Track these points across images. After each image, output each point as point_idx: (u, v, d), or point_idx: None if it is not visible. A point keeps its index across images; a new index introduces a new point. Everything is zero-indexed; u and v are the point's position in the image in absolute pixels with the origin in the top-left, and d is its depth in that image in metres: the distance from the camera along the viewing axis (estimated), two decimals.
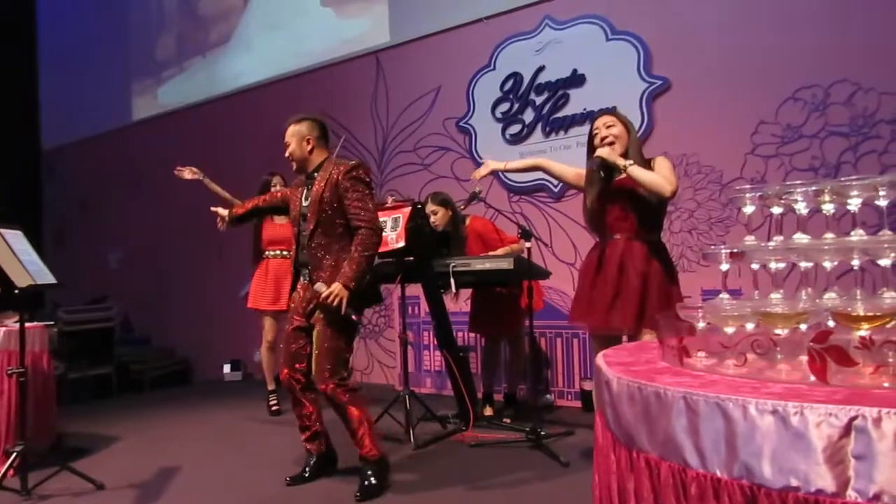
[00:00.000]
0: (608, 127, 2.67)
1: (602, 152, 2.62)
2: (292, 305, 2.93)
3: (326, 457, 3.03)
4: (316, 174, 2.84)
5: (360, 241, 2.71)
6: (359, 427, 2.76)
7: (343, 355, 2.78)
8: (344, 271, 2.67)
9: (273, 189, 4.54)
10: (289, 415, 4.39)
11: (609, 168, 2.66)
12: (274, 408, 4.51)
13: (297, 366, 2.88)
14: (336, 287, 2.64)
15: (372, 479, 2.74)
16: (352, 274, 2.67)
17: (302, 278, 2.90)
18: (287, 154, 2.87)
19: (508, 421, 3.87)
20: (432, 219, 3.90)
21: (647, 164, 2.64)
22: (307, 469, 2.97)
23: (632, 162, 2.57)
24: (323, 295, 2.64)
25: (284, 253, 4.55)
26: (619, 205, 2.66)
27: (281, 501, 2.76)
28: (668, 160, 2.65)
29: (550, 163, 3.04)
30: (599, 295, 2.63)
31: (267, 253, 4.61)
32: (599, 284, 2.64)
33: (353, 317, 2.71)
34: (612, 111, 2.86)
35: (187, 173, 4.55)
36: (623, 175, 2.61)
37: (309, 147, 2.84)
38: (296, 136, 2.84)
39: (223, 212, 3.14)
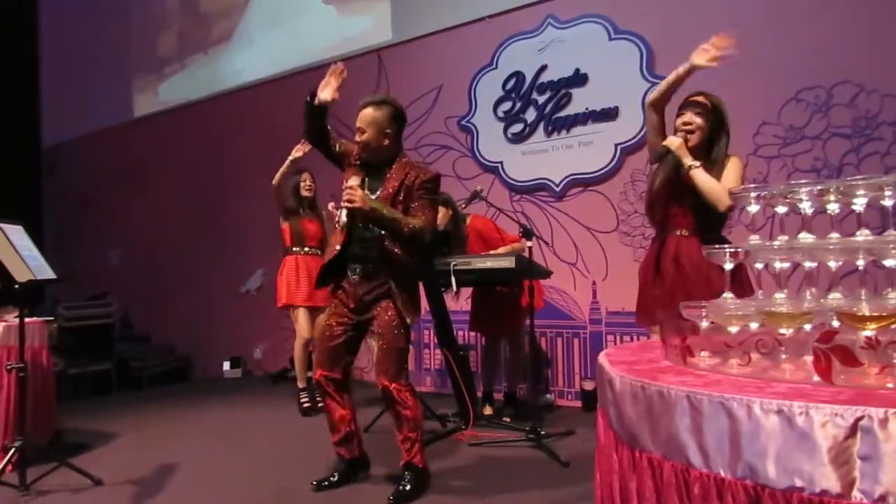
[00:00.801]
0: (696, 113, 2.44)
1: (671, 143, 2.43)
2: (335, 302, 2.75)
3: (358, 462, 2.89)
4: (386, 169, 2.67)
5: (415, 219, 2.59)
6: (413, 433, 2.68)
7: (406, 354, 2.72)
8: (383, 206, 2.55)
9: (303, 184, 4.51)
10: (288, 411, 4.42)
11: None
12: (306, 405, 4.38)
13: (335, 366, 2.73)
14: (364, 194, 2.52)
15: (409, 486, 2.64)
16: (385, 212, 2.53)
17: (350, 273, 2.70)
18: (360, 140, 2.65)
19: (508, 420, 3.86)
20: None
21: (722, 161, 2.44)
22: (336, 473, 2.83)
23: (698, 164, 2.38)
24: (349, 183, 2.52)
25: (316, 251, 4.52)
26: (680, 200, 2.48)
27: (280, 500, 2.75)
28: (739, 165, 2.44)
29: (659, 116, 2.57)
30: (658, 294, 2.49)
31: (295, 249, 4.49)
32: (658, 283, 2.50)
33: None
34: (705, 94, 2.51)
35: (300, 151, 4.30)
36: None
37: (387, 141, 2.66)
38: (374, 125, 2.63)
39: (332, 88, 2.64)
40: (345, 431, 2.81)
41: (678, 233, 2.49)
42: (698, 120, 2.43)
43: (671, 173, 2.48)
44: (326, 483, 2.80)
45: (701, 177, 2.36)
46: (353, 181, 2.58)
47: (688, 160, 2.39)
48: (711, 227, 2.49)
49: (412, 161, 2.76)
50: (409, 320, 2.68)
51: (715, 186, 2.35)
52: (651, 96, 2.55)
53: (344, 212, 2.63)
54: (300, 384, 4.48)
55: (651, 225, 2.71)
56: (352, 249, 2.70)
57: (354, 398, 2.89)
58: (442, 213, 3.94)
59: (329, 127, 2.77)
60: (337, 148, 2.76)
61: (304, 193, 4.51)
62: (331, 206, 4.36)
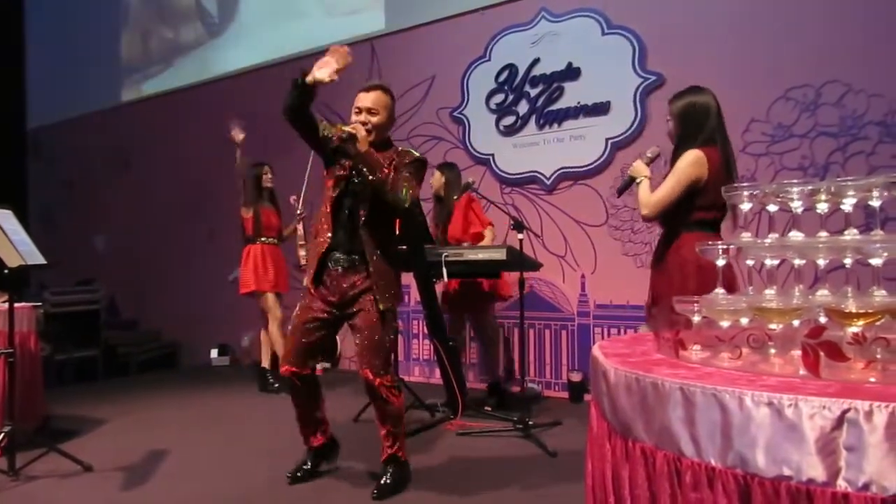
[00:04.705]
0: (668, 121, 2.58)
1: (636, 172, 2.57)
2: (313, 296, 2.62)
3: (328, 446, 2.89)
4: (382, 153, 2.59)
5: (399, 178, 2.49)
6: (395, 428, 2.66)
7: (390, 347, 2.65)
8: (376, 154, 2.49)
9: (265, 176, 4.69)
10: (276, 398, 4.42)
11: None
12: (276, 384, 4.59)
13: (308, 362, 2.65)
14: (365, 136, 2.46)
15: (390, 479, 2.64)
16: (375, 157, 2.47)
17: (332, 265, 2.59)
18: (369, 122, 2.56)
19: (489, 410, 3.91)
20: (430, 179, 4.02)
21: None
22: (308, 462, 2.83)
23: (641, 179, 2.51)
24: (349, 128, 2.45)
25: (274, 240, 4.79)
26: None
27: (266, 486, 2.77)
28: (679, 165, 2.41)
29: None
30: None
31: (261, 239, 4.73)
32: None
33: None
34: (671, 101, 2.59)
35: (238, 133, 4.52)
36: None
37: (392, 126, 2.69)
38: (387, 109, 2.62)
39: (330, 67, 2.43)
40: (314, 425, 2.80)
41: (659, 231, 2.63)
42: (671, 131, 2.56)
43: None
44: (300, 474, 2.79)
45: (639, 190, 2.52)
46: (357, 131, 2.49)
47: (636, 176, 2.54)
48: (671, 222, 2.52)
49: (401, 147, 2.74)
50: (391, 307, 2.62)
51: (641, 198, 2.48)
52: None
53: (302, 200, 2.57)
54: (269, 365, 4.71)
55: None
56: (336, 238, 2.60)
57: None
58: (437, 177, 4.20)
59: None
60: (321, 132, 2.60)
61: (266, 185, 4.74)
62: (292, 199, 4.79)
